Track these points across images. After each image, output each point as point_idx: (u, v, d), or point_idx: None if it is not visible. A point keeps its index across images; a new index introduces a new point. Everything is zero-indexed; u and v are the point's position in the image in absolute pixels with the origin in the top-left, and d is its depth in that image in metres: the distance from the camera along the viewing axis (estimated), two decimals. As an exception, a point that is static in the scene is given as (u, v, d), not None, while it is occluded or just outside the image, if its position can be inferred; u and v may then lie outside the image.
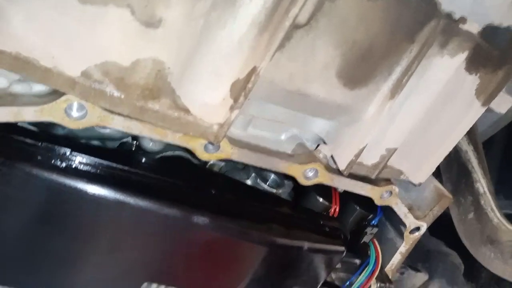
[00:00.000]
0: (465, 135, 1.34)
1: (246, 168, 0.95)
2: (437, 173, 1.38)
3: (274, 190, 0.92)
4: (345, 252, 0.85)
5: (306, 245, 0.79)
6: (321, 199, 0.95)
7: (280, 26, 0.59)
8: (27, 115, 0.61)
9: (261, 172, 0.93)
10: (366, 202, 0.99)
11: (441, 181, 1.09)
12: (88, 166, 0.65)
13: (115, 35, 0.56)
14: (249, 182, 0.91)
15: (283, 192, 0.95)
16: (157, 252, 0.72)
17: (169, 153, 0.84)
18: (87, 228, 0.67)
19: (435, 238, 1.75)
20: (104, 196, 0.64)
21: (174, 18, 0.56)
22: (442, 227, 1.52)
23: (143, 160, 0.76)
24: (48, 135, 0.68)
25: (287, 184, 0.96)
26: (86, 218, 0.66)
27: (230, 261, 0.77)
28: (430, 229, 1.70)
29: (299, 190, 0.98)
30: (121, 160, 0.69)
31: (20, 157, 0.61)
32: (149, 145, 0.79)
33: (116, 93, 0.60)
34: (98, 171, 0.65)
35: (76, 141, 0.71)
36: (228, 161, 0.93)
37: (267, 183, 0.92)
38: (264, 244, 0.76)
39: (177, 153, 0.84)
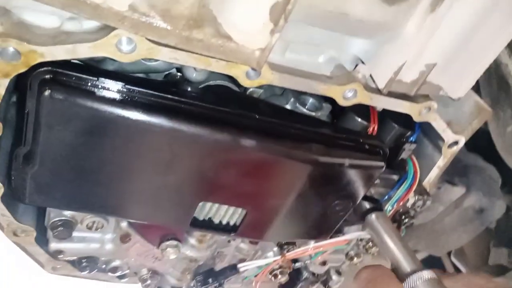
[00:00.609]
0: (505, 47, 1.30)
1: (284, 93, 0.97)
2: (476, 88, 1.36)
3: (313, 113, 0.95)
4: (384, 167, 0.89)
5: (347, 161, 0.83)
6: (359, 119, 0.97)
7: None
8: (81, 51, 0.65)
9: (300, 96, 0.96)
10: (404, 120, 1.01)
11: (480, 96, 1.09)
12: (142, 97, 0.69)
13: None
14: (288, 107, 0.95)
15: (322, 115, 0.98)
16: (210, 174, 0.78)
17: (212, 82, 0.87)
18: (146, 155, 0.73)
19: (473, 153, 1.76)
20: (160, 124, 0.69)
21: None
22: (479, 143, 1.53)
23: (189, 89, 0.80)
24: (101, 71, 0.72)
25: (326, 106, 0.98)
26: (145, 146, 0.72)
27: (276, 179, 0.83)
28: (467, 144, 1.71)
29: (337, 112, 1.01)
30: (170, 90, 0.73)
31: (80, 93, 0.66)
32: (192, 75, 0.82)
33: (163, 25, 0.62)
34: (152, 101, 0.70)
35: (126, 75, 0.75)
36: (267, 88, 0.96)
37: (306, 107, 0.95)
38: (307, 162, 0.80)
39: (220, 82, 0.88)
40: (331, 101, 0.98)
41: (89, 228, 0.89)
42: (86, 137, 0.70)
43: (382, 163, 0.88)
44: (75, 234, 0.90)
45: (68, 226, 0.86)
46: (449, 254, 2.30)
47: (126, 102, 0.68)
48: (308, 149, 0.80)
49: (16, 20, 0.64)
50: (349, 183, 0.88)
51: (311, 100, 0.96)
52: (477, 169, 1.75)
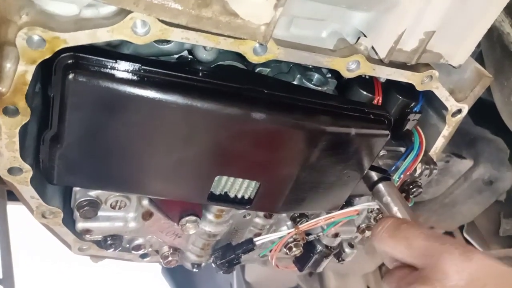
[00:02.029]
0: (508, 17, 1.32)
1: (291, 70, 1.02)
2: (480, 60, 1.39)
3: (319, 88, 0.99)
4: (389, 135, 0.93)
5: (353, 130, 0.87)
6: (364, 92, 1.01)
7: None
8: (101, 35, 0.70)
9: (306, 73, 1.00)
10: (408, 91, 1.05)
11: (483, 67, 1.11)
12: (158, 77, 0.74)
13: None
14: (295, 83, 0.99)
15: (328, 89, 1.02)
16: (224, 148, 0.83)
17: (221, 62, 0.92)
18: (164, 132, 0.78)
19: (480, 127, 1.79)
20: (176, 101, 0.74)
21: None
22: (487, 115, 1.56)
23: (200, 69, 0.85)
24: (119, 54, 0.77)
25: (331, 81, 1.02)
26: (163, 123, 0.77)
27: (285, 151, 0.87)
28: (474, 117, 1.73)
29: (343, 87, 1.05)
30: (183, 70, 0.78)
31: (101, 75, 0.71)
32: (203, 56, 0.87)
33: (174, 5, 0.67)
34: (167, 80, 0.74)
35: (142, 58, 0.80)
36: (274, 66, 1.00)
37: (312, 82, 0.99)
38: (315, 132, 0.84)
39: (229, 62, 0.92)
40: (336, 76, 1.02)
41: (113, 207, 0.95)
42: (108, 117, 0.75)
43: (387, 131, 0.92)
44: (100, 213, 0.95)
45: (93, 206, 0.92)
46: (461, 230, 2.33)
47: (143, 82, 0.73)
48: (315, 120, 0.84)
49: (39, 10, 0.69)
50: (356, 152, 0.92)
51: (316, 75, 1.00)
52: (485, 141, 1.78)
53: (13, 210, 2.25)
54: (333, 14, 0.89)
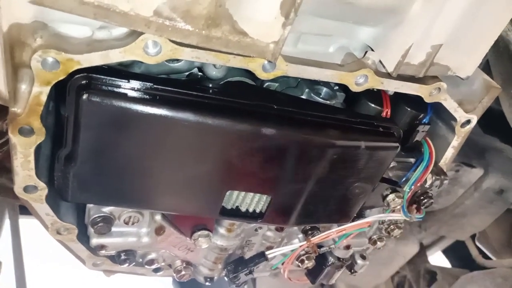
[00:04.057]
0: (514, 26, 1.32)
1: (299, 85, 1.03)
2: (487, 69, 1.39)
3: (328, 102, 1.00)
4: (399, 147, 0.93)
5: (363, 144, 0.88)
6: (372, 105, 1.02)
7: None
8: (113, 56, 0.71)
9: (314, 87, 1.01)
10: (416, 103, 1.05)
11: (491, 77, 1.12)
12: (169, 95, 0.75)
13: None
14: (303, 97, 1.00)
15: (336, 103, 1.02)
16: (235, 163, 0.84)
17: (231, 78, 0.93)
18: (177, 148, 0.79)
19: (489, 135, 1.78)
20: (188, 119, 0.75)
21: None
22: (496, 125, 1.55)
23: (210, 86, 0.86)
24: (130, 74, 0.78)
25: (339, 95, 1.03)
26: (175, 140, 0.78)
27: (296, 165, 0.88)
28: (483, 127, 1.73)
29: (351, 101, 1.06)
30: (194, 87, 0.79)
31: (114, 95, 0.73)
32: (213, 73, 0.88)
33: (185, 26, 0.68)
34: (179, 98, 0.76)
35: (153, 77, 0.81)
36: (282, 81, 1.02)
37: (321, 96, 1.00)
38: (325, 146, 0.85)
39: (238, 78, 0.94)
40: (344, 89, 1.03)
41: (126, 223, 0.96)
42: (122, 135, 0.76)
43: (396, 144, 0.92)
44: (113, 229, 0.96)
45: (107, 222, 0.93)
46: (473, 238, 2.31)
47: (155, 100, 0.74)
48: (325, 134, 0.85)
49: (53, 32, 0.71)
50: (367, 165, 0.93)
51: (325, 89, 1.01)
52: (495, 151, 1.77)
53: (25, 223, 2.27)
54: (340, 29, 0.90)
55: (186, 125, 0.76)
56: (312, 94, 1.00)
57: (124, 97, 0.73)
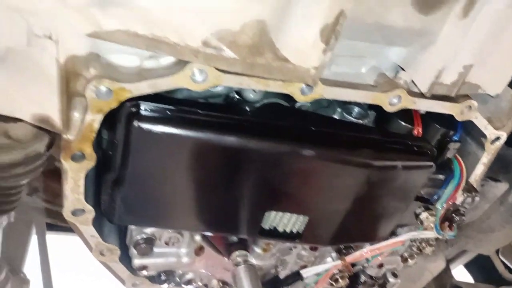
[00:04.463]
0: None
1: (330, 105, 1.05)
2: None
3: (360, 121, 1.02)
4: (434, 167, 0.94)
5: (399, 164, 0.89)
6: (403, 123, 1.04)
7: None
8: (162, 85, 0.75)
9: (346, 106, 1.03)
10: (445, 120, 1.07)
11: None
12: (215, 120, 0.79)
13: (225, 3, 0.67)
14: (336, 116, 1.02)
15: (368, 122, 1.05)
16: (275, 184, 0.86)
17: (266, 100, 0.96)
18: (221, 171, 0.82)
19: (514, 150, 1.77)
20: (231, 142, 0.78)
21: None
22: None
23: (248, 109, 0.89)
24: (175, 100, 0.82)
25: (371, 114, 1.05)
26: (220, 162, 0.81)
27: (335, 185, 0.90)
28: (507, 140, 1.72)
29: (381, 118, 1.08)
30: (234, 111, 0.83)
31: (163, 122, 0.76)
32: (250, 96, 0.91)
33: (231, 55, 0.72)
34: (222, 122, 0.79)
35: (197, 102, 0.85)
36: (314, 101, 1.04)
37: (353, 115, 1.02)
38: (363, 167, 0.87)
39: (273, 99, 0.96)
40: (373, 107, 1.05)
41: (167, 243, 0.98)
42: (169, 160, 0.79)
43: (431, 163, 0.94)
44: (155, 250, 0.99)
45: (149, 243, 0.95)
46: (497, 252, 2.28)
47: (201, 125, 0.77)
48: (363, 155, 0.87)
49: (105, 63, 0.75)
50: (402, 185, 0.94)
51: (356, 109, 1.03)
52: (520, 165, 1.76)
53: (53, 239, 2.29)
54: (372, 51, 0.93)
55: (230, 149, 0.79)
56: (344, 114, 1.02)
57: (172, 123, 0.76)
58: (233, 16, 0.68)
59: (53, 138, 0.90)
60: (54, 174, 1.33)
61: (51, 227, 2.13)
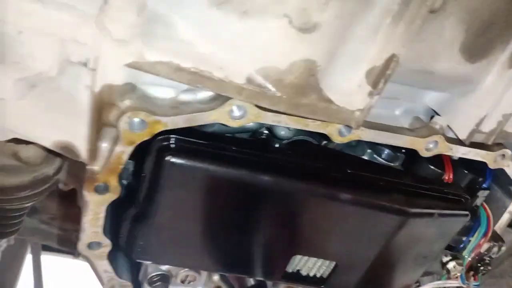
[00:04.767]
0: None
1: (359, 145, 1.01)
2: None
3: (390, 164, 0.98)
4: (469, 216, 0.91)
5: (436, 212, 0.85)
6: (433, 167, 1.00)
7: (417, 14, 0.65)
8: (198, 119, 0.71)
9: (376, 147, 1.00)
10: (473, 166, 1.03)
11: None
12: (249, 158, 0.75)
13: (274, 43, 0.64)
14: (365, 157, 0.98)
15: (398, 164, 1.01)
16: (306, 228, 0.82)
17: (295, 137, 0.92)
18: (251, 211, 0.78)
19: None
20: (267, 182, 0.74)
21: (327, 21, 0.63)
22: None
23: (277, 146, 0.85)
24: (207, 134, 0.78)
25: (400, 156, 1.02)
26: (250, 202, 0.77)
27: (370, 231, 0.86)
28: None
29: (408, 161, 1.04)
30: (270, 149, 0.79)
31: (196, 157, 0.72)
32: (282, 133, 0.88)
33: (275, 93, 0.68)
34: (258, 161, 0.75)
35: (229, 137, 0.81)
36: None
37: (382, 157, 0.99)
38: (400, 214, 0.83)
39: (303, 137, 0.93)
40: (401, 148, 1.02)
41: (183, 281, 0.93)
42: (198, 197, 0.75)
43: (467, 212, 0.90)
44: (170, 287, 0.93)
45: (165, 280, 0.90)
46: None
47: (235, 163, 0.73)
48: (399, 202, 0.83)
49: (141, 94, 0.71)
50: (436, 233, 0.90)
51: (387, 151, 1.00)
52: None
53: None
54: (407, 93, 0.90)
55: (265, 189, 0.75)
56: (374, 155, 0.98)
57: (206, 159, 0.72)
58: (280, 54, 0.65)
59: (63, 162, 0.86)
60: (53, 195, 1.28)
61: (46, 248, 2.07)
